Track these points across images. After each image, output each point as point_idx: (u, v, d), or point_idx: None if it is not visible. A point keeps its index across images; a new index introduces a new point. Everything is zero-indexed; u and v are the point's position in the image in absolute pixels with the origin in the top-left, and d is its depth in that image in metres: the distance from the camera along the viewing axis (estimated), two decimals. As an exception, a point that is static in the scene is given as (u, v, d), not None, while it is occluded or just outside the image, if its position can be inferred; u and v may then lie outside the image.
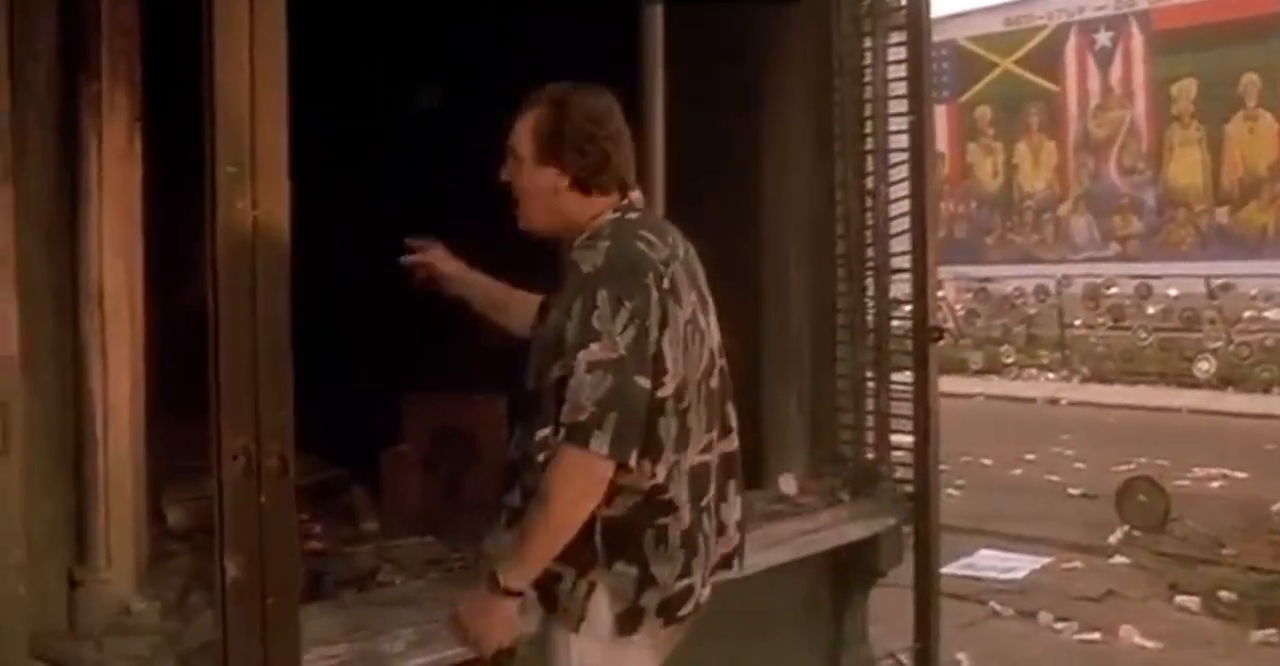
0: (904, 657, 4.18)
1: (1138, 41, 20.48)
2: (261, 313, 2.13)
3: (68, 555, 2.71)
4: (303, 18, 2.28)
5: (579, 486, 2.02)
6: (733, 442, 2.32)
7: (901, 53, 4.11)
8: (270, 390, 2.13)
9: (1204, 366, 14.67)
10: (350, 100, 4.91)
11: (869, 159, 4.22)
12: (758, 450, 4.13)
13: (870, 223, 4.22)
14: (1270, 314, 16.07)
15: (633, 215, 2.23)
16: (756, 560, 3.51)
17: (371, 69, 5.14)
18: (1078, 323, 17.24)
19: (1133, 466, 8.63)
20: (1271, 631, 5.18)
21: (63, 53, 2.68)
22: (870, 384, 4.20)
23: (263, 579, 2.13)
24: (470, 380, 3.95)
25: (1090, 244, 21.05)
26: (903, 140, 4.09)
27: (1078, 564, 6.39)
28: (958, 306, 18.54)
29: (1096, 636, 5.17)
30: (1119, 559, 6.45)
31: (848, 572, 4.13)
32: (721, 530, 2.28)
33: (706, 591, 2.25)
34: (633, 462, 2.03)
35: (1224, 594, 5.60)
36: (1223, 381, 14.44)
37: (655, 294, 2.07)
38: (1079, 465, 9.40)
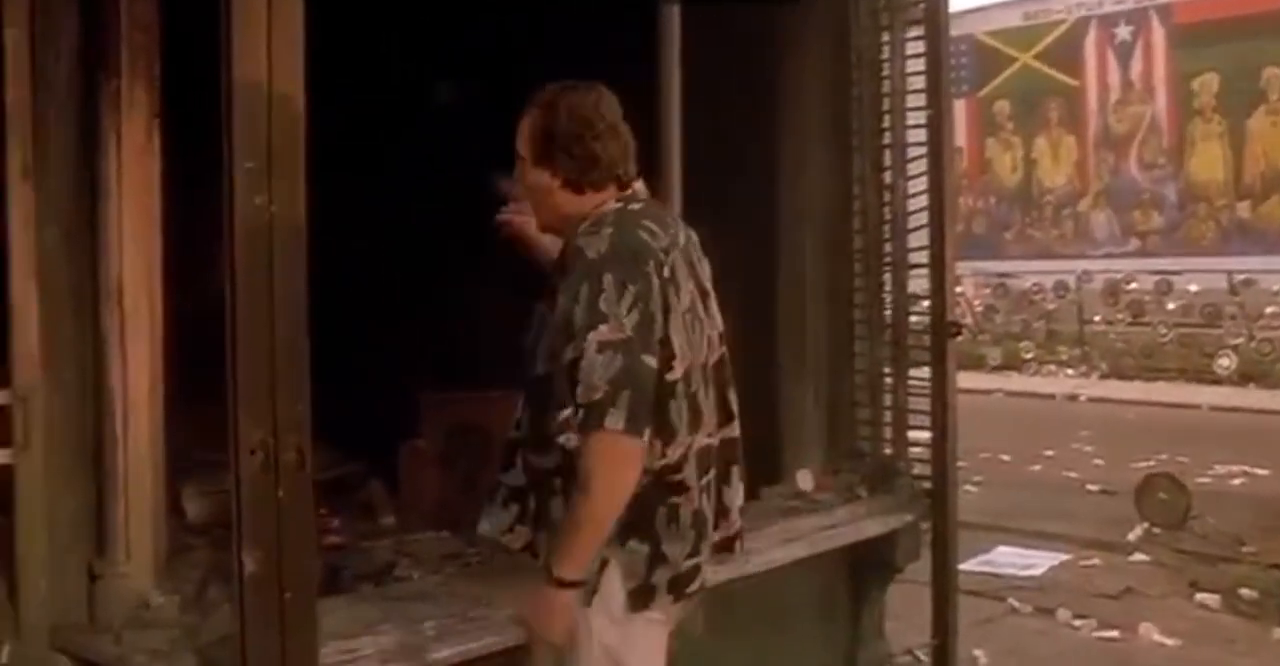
0: (921, 654, 4.17)
1: (1158, 35, 20.30)
2: (279, 308, 2.15)
3: (88, 549, 2.74)
4: (321, 15, 2.29)
5: (613, 468, 2.06)
6: (734, 429, 2.37)
7: (920, 47, 4.10)
8: (287, 384, 2.15)
9: (1225, 362, 14.55)
10: (369, 97, 4.93)
11: (887, 154, 4.21)
12: (775, 445, 4.14)
13: (888, 217, 4.22)
14: (1291, 310, 15.96)
15: (635, 206, 2.27)
16: (774, 556, 3.54)
17: (389, 66, 5.15)
18: (1097, 318, 17.09)
19: (1152, 463, 8.55)
20: (1292, 629, 5.15)
21: (82, 51, 2.70)
22: (888, 379, 4.20)
23: (280, 573, 2.14)
24: (487, 377, 3.96)
25: (1110, 239, 20.88)
26: (921, 135, 4.08)
27: (1096, 561, 6.34)
28: (976, 302, 18.44)
29: (1115, 634, 5.13)
30: (1138, 556, 6.40)
31: (865, 568, 4.13)
32: (725, 513, 2.34)
33: (709, 571, 2.30)
34: (644, 440, 2.08)
35: (1245, 591, 5.55)
36: (1244, 377, 14.31)
37: (656, 281, 2.13)
38: (1098, 461, 9.33)
